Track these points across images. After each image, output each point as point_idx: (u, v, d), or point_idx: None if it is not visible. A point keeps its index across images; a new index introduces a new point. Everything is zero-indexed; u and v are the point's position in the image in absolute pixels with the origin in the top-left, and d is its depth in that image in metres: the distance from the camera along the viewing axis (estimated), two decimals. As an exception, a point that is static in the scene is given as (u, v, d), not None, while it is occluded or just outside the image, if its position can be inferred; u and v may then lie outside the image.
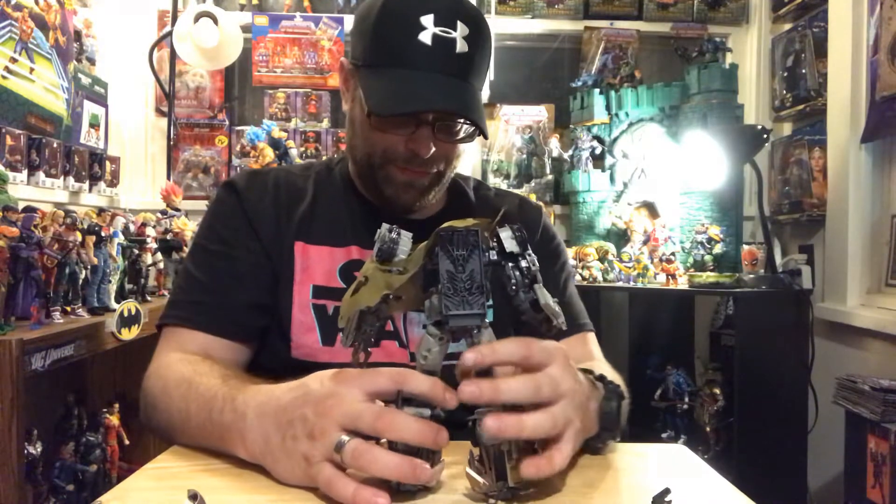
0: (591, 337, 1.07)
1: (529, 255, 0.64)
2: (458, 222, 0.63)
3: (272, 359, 0.97)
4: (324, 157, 2.65)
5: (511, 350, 0.63)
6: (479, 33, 0.91)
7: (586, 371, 0.78)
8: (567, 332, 1.02)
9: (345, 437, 0.60)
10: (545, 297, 0.63)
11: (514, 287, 0.64)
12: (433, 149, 0.91)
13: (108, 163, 2.23)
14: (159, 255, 1.79)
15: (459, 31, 0.88)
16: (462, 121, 0.93)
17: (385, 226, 0.63)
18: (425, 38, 0.86)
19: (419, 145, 0.91)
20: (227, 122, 2.72)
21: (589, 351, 1.04)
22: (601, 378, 0.78)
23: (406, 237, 0.63)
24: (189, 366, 0.85)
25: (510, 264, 0.64)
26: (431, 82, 0.88)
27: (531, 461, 0.61)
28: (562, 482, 0.68)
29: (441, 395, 0.60)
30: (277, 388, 0.69)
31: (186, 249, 1.91)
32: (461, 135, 0.95)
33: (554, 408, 0.62)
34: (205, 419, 0.75)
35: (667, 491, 0.59)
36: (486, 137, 0.94)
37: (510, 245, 0.63)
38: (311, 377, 0.66)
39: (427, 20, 0.87)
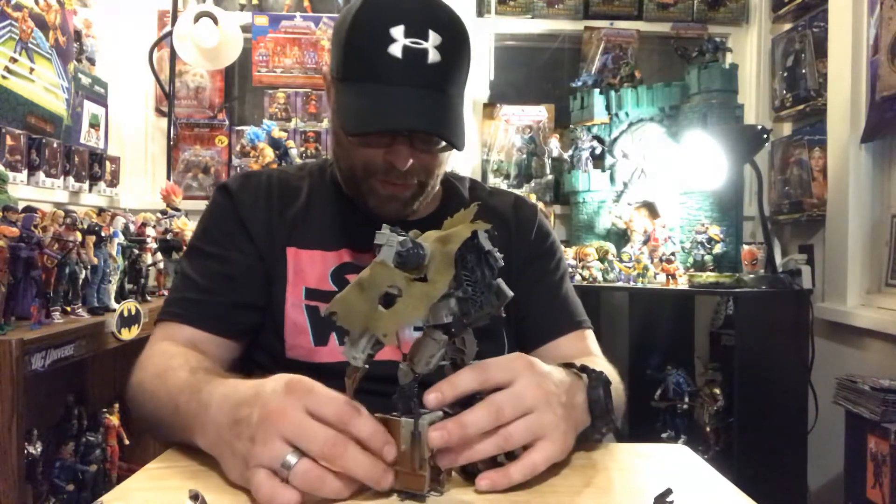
0: (589, 333, 1.07)
1: (496, 249, 0.66)
2: (464, 226, 0.63)
3: (269, 358, 0.98)
4: (324, 157, 2.65)
5: (468, 380, 0.65)
6: (454, 40, 0.88)
7: (568, 365, 0.78)
8: (565, 330, 1.04)
9: (291, 458, 0.59)
10: (506, 289, 0.66)
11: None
12: (410, 161, 0.90)
13: (108, 163, 2.23)
14: (159, 255, 1.79)
15: (431, 41, 0.85)
16: None
17: (386, 227, 0.62)
18: (395, 50, 0.84)
19: (396, 158, 0.89)
20: (227, 122, 2.72)
21: (586, 347, 1.04)
22: (583, 368, 0.79)
23: (427, 243, 0.62)
24: (165, 359, 0.86)
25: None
26: (403, 98, 0.86)
27: (486, 475, 0.64)
28: (562, 482, 0.69)
29: (379, 448, 0.61)
30: (241, 382, 0.70)
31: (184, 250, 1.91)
32: (440, 145, 0.93)
33: (510, 427, 0.64)
34: (172, 411, 0.76)
35: (669, 491, 0.59)
36: (459, 150, 0.90)
37: (486, 243, 0.64)
38: (271, 378, 0.66)
39: (397, 31, 0.84)
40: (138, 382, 0.87)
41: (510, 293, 0.66)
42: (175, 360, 0.85)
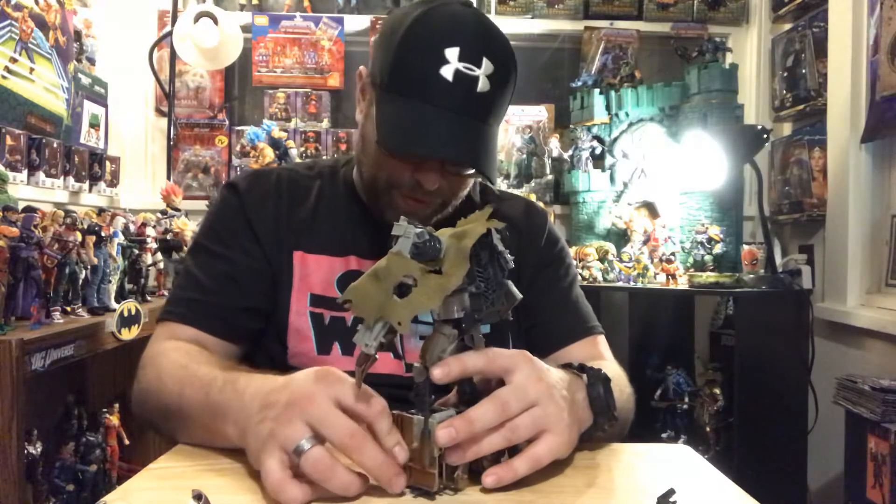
0: (601, 339, 1.06)
1: (507, 250, 0.66)
2: (479, 223, 0.64)
3: (270, 363, 0.97)
4: (324, 157, 2.65)
5: (475, 359, 0.66)
6: (504, 71, 0.87)
7: (566, 365, 0.78)
8: (576, 336, 1.03)
9: (306, 443, 0.60)
10: (515, 291, 0.68)
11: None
12: (438, 183, 0.90)
13: (108, 163, 2.22)
14: (159, 255, 1.79)
15: (484, 69, 0.84)
16: None
17: (403, 219, 0.63)
18: (447, 73, 0.82)
19: (425, 178, 0.89)
20: (227, 122, 2.72)
21: (598, 353, 1.03)
22: (581, 367, 0.79)
23: (442, 238, 0.63)
24: (186, 355, 0.86)
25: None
26: (445, 124, 0.84)
27: (491, 471, 0.64)
28: (565, 482, 0.69)
29: (389, 447, 0.62)
30: (276, 376, 0.71)
31: (186, 249, 1.91)
32: (471, 171, 0.93)
33: (517, 419, 0.65)
34: (201, 400, 0.75)
35: (672, 491, 0.59)
36: (492, 183, 0.89)
37: (498, 244, 0.65)
38: (304, 370, 0.68)
39: (451, 53, 0.83)
40: (154, 376, 0.85)
41: (519, 295, 0.67)
42: (196, 354, 0.85)
